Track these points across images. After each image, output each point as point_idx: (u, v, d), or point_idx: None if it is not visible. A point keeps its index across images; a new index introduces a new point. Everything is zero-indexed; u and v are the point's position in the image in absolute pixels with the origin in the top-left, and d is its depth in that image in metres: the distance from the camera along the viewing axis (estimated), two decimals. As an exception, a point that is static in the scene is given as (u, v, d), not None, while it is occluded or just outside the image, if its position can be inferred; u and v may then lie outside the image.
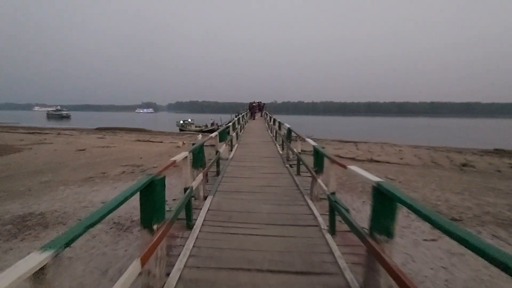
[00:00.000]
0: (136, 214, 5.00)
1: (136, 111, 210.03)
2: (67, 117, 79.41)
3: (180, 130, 34.91)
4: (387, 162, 11.12)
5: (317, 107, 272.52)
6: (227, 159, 6.65)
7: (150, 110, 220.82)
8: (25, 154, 12.47)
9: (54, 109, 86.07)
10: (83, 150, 13.17)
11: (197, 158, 3.83)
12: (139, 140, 17.63)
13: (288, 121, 9.35)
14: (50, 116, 77.36)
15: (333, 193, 2.85)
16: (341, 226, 2.95)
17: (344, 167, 2.41)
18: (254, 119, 21.86)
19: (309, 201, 3.78)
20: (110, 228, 4.37)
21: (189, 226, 3.00)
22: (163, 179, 2.03)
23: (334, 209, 2.71)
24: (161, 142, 17.00)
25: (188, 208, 3.00)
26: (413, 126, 62.17)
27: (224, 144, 6.23)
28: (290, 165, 6.13)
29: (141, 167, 9.39)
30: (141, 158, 11.29)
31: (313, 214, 3.38)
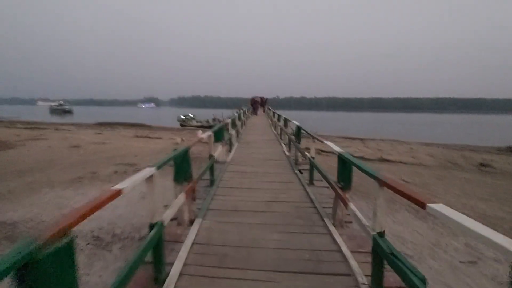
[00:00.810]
0: (120, 226, 4.35)
1: (138, 106, 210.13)
2: (70, 112, 79.07)
3: (181, 125, 34.19)
4: (400, 162, 10.37)
5: (320, 103, 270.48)
6: (224, 162, 5.70)
7: (152, 105, 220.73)
8: (17, 150, 11.87)
9: (57, 104, 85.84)
10: (77, 147, 12.55)
11: (180, 169, 2.78)
12: (137, 136, 17.01)
13: (290, 117, 8.70)
14: (52, 111, 77.00)
15: (381, 234, 1.80)
16: (389, 278, 1.84)
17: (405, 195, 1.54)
18: (256, 114, 21.11)
19: (332, 228, 2.80)
20: (87, 244, 3.72)
21: (158, 281, 1.90)
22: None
23: (387, 262, 1.63)
24: (160, 138, 16.36)
25: (159, 255, 1.94)
26: (418, 122, 60.98)
27: (221, 146, 5.32)
28: (300, 171, 5.16)
29: (135, 166, 8.74)
30: (136, 156, 10.65)
31: (340, 251, 2.38)
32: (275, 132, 11.07)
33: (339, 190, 2.77)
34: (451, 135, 30.07)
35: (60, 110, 77.69)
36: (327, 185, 3.52)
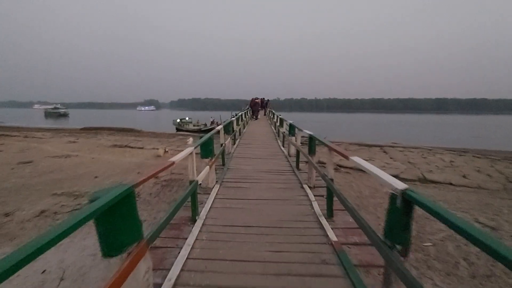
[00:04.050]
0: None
1: (138, 108, 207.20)
2: (65, 115, 76.98)
3: (177, 129, 31.59)
4: (450, 184, 7.70)
5: (320, 104, 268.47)
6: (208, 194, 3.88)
7: (152, 107, 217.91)
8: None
9: (52, 107, 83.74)
10: (29, 162, 9.89)
11: None
12: (115, 146, 14.33)
13: (290, 119, 7.53)
14: (48, 115, 74.97)
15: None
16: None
17: None
18: (256, 119, 18.45)
19: None
20: None
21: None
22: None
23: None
24: (141, 148, 13.68)
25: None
26: (422, 123, 58.57)
27: (208, 165, 3.91)
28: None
29: (79, 199, 6.06)
30: (95, 178, 7.97)
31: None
32: (279, 143, 8.37)
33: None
34: (464, 137, 27.48)
35: (55, 114, 75.64)
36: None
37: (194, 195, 2.89)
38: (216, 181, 4.37)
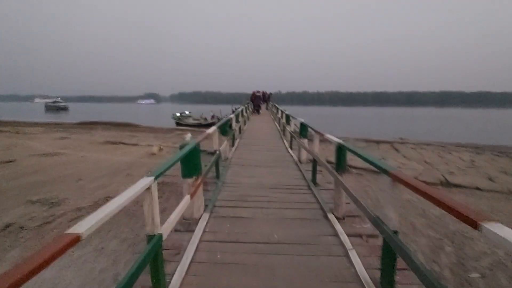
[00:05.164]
0: None
1: (138, 102, 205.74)
2: (65, 109, 76.46)
3: (177, 124, 30.78)
4: (477, 188, 6.84)
5: (322, 97, 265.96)
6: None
7: (152, 101, 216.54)
8: None
9: (52, 101, 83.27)
10: (10, 162, 9.09)
11: None
12: (108, 142, 13.51)
13: (292, 113, 7.18)
14: (48, 108, 74.53)
15: None
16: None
17: None
18: (258, 113, 17.53)
19: None
20: None
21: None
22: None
23: None
24: (136, 145, 12.85)
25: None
26: (428, 117, 57.29)
27: (193, 184, 2.88)
28: None
29: (57, 207, 5.25)
30: (79, 180, 7.16)
31: None
32: (286, 144, 7.45)
33: None
34: (472, 132, 26.45)
35: (55, 107, 75.11)
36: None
37: (156, 262, 1.67)
38: (206, 207, 3.19)
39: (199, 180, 2.87)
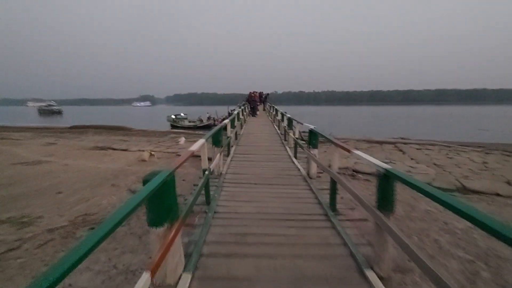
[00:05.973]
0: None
1: (133, 104, 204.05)
2: (59, 112, 75.58)
3: (172, 126, 30.18)
4: (497, 194, 6.25)
5: (318, 97, 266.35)
6: None
7: (147, 103, 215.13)
8: None
9: (46, 105, 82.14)
10: (-15, 173, 8.32)
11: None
12: (96, 148, 12.74)
13: (291, 113, 6.62)
14: (41, 112, 73.51)
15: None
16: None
17: None
18: (255, 115, 16.85)
19: None
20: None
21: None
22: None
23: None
24: (125, 150, 12.11)
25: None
26: (424, 115, 57.20)
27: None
28: None
29: (27, 228, 4.54)
30: (59, 193, 6.43)
31: None
32: (289, 151, 6.77)
33: None
34: (471, 130, 26.12)
35: (48, 111, 74.01)
36: None
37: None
38: (188, 258, 2.25)
39: (175, 227, 1.91)
